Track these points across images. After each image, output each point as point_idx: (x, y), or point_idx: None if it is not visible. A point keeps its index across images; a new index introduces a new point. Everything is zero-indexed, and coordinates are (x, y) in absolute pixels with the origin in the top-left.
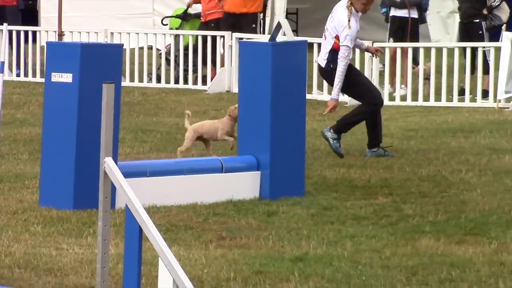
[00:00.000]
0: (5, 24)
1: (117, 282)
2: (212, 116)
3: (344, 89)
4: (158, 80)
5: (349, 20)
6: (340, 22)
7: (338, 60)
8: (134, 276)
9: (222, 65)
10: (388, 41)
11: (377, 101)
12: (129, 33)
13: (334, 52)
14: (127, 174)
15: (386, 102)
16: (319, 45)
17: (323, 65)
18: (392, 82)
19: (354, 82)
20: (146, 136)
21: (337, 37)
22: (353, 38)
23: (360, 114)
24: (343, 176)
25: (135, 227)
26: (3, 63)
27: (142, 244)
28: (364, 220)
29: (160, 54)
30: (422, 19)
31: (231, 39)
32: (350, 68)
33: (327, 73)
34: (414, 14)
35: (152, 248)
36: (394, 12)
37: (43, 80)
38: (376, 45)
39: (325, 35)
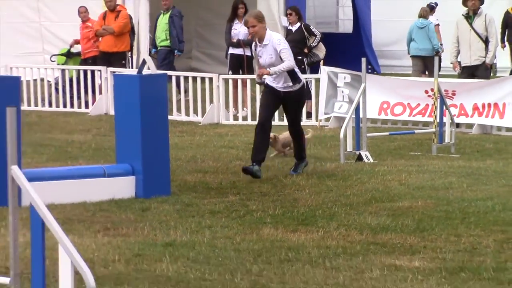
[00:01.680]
0: None
1: (26, 264)
2: (94, 133)
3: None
4: (50, 105)
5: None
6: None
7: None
8: (39, 259)
9: (100, 92)
10: (228, 74)
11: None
12: (25, 68)
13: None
14: (30, 179)
15: (232, 122)
16: (177, 77)
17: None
18: (235, 106)
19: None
20: (43, 149)
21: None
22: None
23: (303, 144)
24: (200, 179)
25: (39, 220)
26: None
27: (44, 234)
28: (218, 214)
29: (51, 84)
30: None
31: (106, 72)
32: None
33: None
34: (248, 52)
35: (53, 237)
36: (232, 50)
37: None
38: (222, 76)
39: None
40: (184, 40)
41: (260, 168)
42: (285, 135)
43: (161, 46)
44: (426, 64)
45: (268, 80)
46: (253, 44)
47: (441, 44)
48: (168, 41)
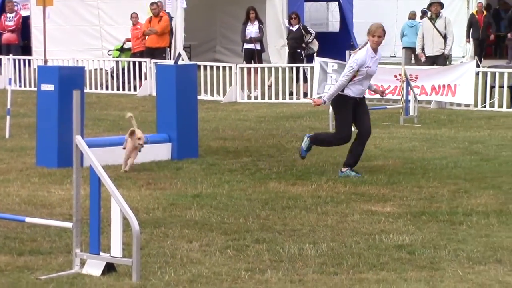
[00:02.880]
0: (10, 55)
1: (86, 211)
2: (140, 110)
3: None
4: (107, 88)
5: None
6: (355, 54)
7: (340, 77)
8: (96, 208)
9: (145, 79)
10: (243, 63)
11: (341, 136)
12: (88, 60)
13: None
14: (90, 146)
15: (246, 100)
16: (204, 66)
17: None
18: (249, 88)
19: (338, 114)
20: (100, 122)
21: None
22: (359, 65)
23: (328, 141)
24: (221, 145)
25: (96, 178)
26: (10, 79)
27: (100, 188)
28: (235, 171)
29: (107, 72)
30: (263, 50)
31: (151, 63)
32: (356, 103)
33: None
34: (258, 46)
35: (107, 191)
36: (246, 46)
37: (35, 89)
38: (239, 66)
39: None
40: None
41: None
42: None
43: None
44: (414, 53)
45: (353, 93)
46: (366, 54)
47: None
48: None
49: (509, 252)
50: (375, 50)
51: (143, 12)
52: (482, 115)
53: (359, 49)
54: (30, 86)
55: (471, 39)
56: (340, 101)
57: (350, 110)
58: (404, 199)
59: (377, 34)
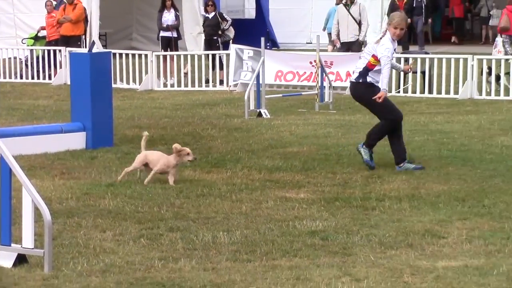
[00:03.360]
0: None
1: None
2: (55, 99)
3: (371, 108)
4: (21, 77)
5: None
6: (382, 43)
7: (382, 68)
8: (7, 198)
9: (60, 67)
10: (160, 51)
11: (395, 117)
12: (1, 49)
13: (366, 69)
14: (2, 135)
15: (162, 88)
16: (120, 54)
17: (354, 79)
18: (165, 76)
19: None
20: (14, 112)
21: (373, 56)
22: (392, 53)
23: (382, 132)
24: (137, 133)
25: (7, 168)
26: None
27: (11, 178)
28: None
29: (22, 61)
30: (179, 37)
31: (65, 51)
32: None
33: (355, 85)
34: (175, 34)
35: (18, 181)
36: (162, 33)
37: None
38: (155, 53)
39: (361, 56)
40: None
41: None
42: None
43: None
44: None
45: (374, 81)
46: (392, 42)
47: None
48: None
49: (420, 236)
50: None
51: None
52: (395, 100)
53: (381, 38)
54: None
55: None
56: (370, 90)
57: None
58: (318, 185)
59: (400, 27)
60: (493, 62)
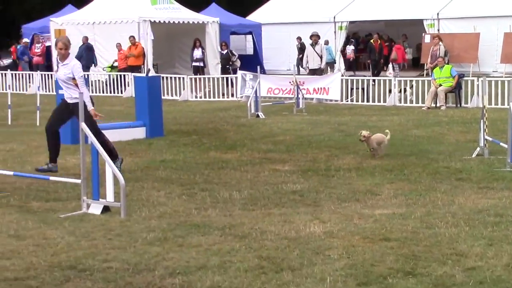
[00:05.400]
0: (38, 71)
1: (90, 172)
2: (125, 106)
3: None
4: (103, 92)
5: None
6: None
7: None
8: (96, 170)
9: (128, 85)
10: (193, 75)
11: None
12: (92, 74)
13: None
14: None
15: (194, 99)
16: (167, 77)
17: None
18: (196, 91)
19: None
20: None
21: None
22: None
23: None
24: (178, 128)
25: (95, 151)
26: (39, 86)
27: (98, 157)
28: (187, 145)
29: (103, 82)
30: (205, 66)
31: (131, 76)
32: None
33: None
34: (201, 64)
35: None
36: (193, 63)
37: (55, 93)
38: (190, 77)
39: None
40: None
41: None
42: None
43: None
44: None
45: None
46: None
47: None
48: None
49: (363, 194)
50: None
51: (123, 43)
52: (345, 107)
53: None
54: (51, 91)
55: (369, 61)
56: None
57: None
58: (296, 161)
59: None
60: (408, 81)
